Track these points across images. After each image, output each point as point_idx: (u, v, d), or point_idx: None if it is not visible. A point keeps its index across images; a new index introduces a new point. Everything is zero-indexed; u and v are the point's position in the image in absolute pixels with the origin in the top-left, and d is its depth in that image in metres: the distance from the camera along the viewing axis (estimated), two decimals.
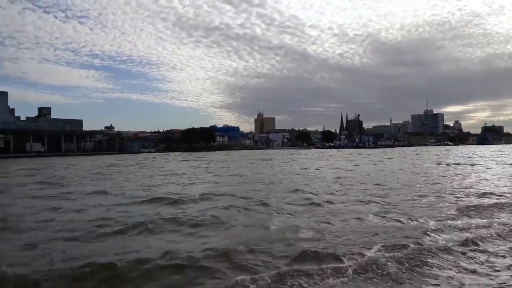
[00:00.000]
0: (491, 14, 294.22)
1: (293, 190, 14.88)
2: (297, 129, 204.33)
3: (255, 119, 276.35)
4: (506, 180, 18.31)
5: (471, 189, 14.66)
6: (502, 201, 11.69)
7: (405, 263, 5.94)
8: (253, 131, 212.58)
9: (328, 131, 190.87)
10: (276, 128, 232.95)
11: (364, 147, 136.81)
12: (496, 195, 13.02)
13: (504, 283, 5.18)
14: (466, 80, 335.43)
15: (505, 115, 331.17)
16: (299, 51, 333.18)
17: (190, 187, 17.27)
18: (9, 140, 73.63)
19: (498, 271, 5.63)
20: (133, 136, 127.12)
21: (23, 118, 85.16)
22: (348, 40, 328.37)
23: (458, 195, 13.16)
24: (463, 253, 6.44)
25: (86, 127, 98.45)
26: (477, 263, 6.03)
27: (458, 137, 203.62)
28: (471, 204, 11.03)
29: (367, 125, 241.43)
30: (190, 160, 48.08)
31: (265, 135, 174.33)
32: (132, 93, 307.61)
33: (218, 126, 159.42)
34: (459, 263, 5.99)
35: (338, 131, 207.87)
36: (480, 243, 6.98)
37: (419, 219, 9.04)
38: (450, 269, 5.73)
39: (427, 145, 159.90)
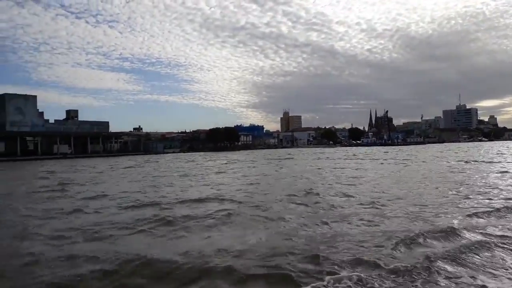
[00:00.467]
0: None
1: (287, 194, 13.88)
2: (326, 127, 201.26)
3: (281, 118, 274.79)
4: None
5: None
6: None
7: None
8: (280, 130, 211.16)
9: (355, 128, 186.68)
10: (302, 126, 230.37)
11: (392, 144, 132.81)
12: None
13: None
14: (502, 73, 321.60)
15: None
16: (326, 48, 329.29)
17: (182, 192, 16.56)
18: (37, 143, 75.91)
19: None
20: (161, 137, 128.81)
21: (52, 121, 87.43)
22: (377, 35, 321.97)
23: None
24: None
25: (117, 128, 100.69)
26: None
27: (493, 132, 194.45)
28: None
29: (397, 121, 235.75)
30: (209, 160, 47.67)
31: (290, 134, 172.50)
32: (161, 94, 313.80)
33: (244, 126, 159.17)
34: None
35: (367, 129, 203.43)
36: None
37: None
38: None
39: (460, 141, 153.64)
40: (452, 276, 5.20)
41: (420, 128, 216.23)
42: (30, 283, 5.44)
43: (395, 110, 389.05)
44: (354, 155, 53.14)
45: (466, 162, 30.77)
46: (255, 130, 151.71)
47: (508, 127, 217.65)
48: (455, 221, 8.38)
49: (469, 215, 9.08)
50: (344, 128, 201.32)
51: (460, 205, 10.57)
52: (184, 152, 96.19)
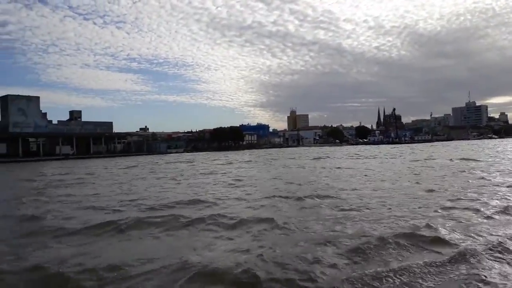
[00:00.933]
0: None
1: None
2: (333, 125, 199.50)
3: (287, 117, 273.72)
4: None
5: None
6: None
7: None
8: (287, 129, 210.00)
9: (362, 126, 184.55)
10: (310, 125, 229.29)
11: (399, 142, 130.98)
12: None
13: None
14: None
15: None
16: (334, 46, 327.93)
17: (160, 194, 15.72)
18: (39, 144, 75.96)
19: None
20: (167, 137, 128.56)
21: (55, 121, 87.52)
22: (385, 33, 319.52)
23: None
24: None
25: (125, 128, 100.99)
26: None
27: (504, 129, 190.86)
28: None
29: (406, 119, 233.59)
30: (210, 160, 46.89)
31: (295, 133, 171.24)
32: (169, 94, 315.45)
33: (251, 125, 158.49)
34: None
35: (375, 127, 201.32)
36: None
37: None
38: None
39: (469, 139, 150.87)
40: None
41: (429, 126, 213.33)
42: None
43: (404, 108, 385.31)
44: (355, 154, 51.99)
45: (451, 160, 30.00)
46: (260, 129, 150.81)
47: None
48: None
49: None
50: (352, 126, 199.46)
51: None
52: (188, 152, 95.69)
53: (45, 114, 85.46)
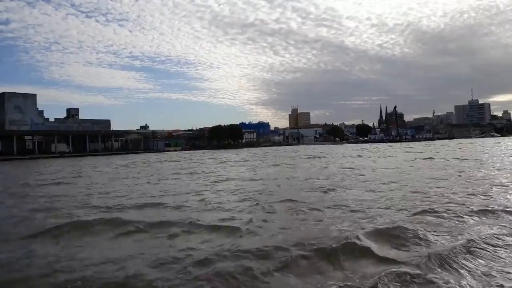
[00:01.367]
0: None
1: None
2: (336, 123, 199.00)
3: (289, 115, 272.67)
4: None
5: None
6: None
7: None
8: (288, 127, 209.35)
9: (363, 124, 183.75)
10: (312, 123, 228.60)
11: (400, 140, 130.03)
12: None
13: None
14: None
15: None
16: (336, 43, 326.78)
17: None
18: (35, 142, 75.84)
19: None
20: (167, 135, 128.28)
21: (52, 119, 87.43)
22: (388, 30, 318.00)
23: None
24: None
25: (127, 126, 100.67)
26: None
27: (506, 127, 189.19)
28: None
29: (409, 117, 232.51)
30: (205, 158, 46.40)
31: (295, 131, 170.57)
32: (172, 92, 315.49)
33: (252, 123, 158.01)
34: None
35: (377, 125, 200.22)
36: None
37: None
38: None
39: (471, 137, 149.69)
40: None
41: (431, 124, 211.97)
42: None
43: (406, 106, 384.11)
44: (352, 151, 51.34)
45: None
46: (260, 127, 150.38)
47: None
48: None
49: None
50: (353, 124, 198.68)
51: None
52: (186, 151, 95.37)
53: (41, 111, 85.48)
